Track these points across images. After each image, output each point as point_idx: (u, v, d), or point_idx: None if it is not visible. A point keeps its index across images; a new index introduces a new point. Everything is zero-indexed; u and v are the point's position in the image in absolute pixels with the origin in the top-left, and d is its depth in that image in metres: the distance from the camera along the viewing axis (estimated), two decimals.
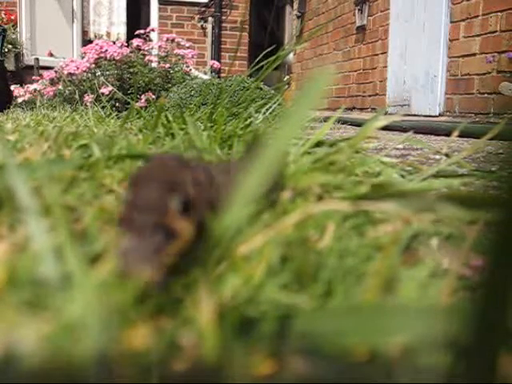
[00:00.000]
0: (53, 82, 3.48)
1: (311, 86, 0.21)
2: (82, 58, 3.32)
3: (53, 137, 0.67)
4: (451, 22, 3.26)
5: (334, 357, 0.19)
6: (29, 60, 5.44)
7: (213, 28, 5.87)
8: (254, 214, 0.35)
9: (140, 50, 3.22)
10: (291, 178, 0.42)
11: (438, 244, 0.33)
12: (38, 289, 0.23)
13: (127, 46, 3.22)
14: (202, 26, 5.92)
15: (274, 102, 0.96)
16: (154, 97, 2.77)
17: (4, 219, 0.32)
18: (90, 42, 4.53)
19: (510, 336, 0.15)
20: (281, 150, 0.21)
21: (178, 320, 0.20)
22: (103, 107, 1.87)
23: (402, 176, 0.53)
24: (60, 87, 3.30)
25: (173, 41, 3.34)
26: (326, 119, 0.67)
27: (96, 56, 3.14)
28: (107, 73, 3.11)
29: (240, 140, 0.68)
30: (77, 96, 2.89)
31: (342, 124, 2.77)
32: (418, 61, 3.60)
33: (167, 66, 3.14)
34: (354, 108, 4.58)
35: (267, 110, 0.94)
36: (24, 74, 5.42)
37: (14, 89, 3.73)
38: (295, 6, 6.05)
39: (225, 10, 5.93)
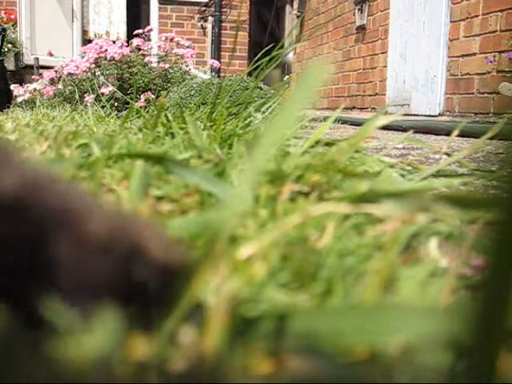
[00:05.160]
0: (53, 82, 3.48)
1: (306, 80, 0.21)
2: (82, 57, 3.32)
3: (52, 136, 0.67)
4: (451, 21, 3.26)
5: (333, 356, 0.19)
6: (29, 59, 5.44)
7: (213, 27, 5.87)
8: (252, 214, 0.35)
9: (140, 49, 3.22)
10: (291, 177, 0.42)
11: (438, 243, 0.33)
12: None
13: (127, 46, 3.22)
14: (201, 25, 5.92)
15: (274, 102, 0.96)
16: (153, 97, 2.77)
17: None
18: (90, 41, 4.53)
19: (510, 336, 0.15)
20: (275, 141, 0.21)
21: (177, 319, 0.20)
22: (103, 107, 1.87)
23: (402, 175, 0.53)
24: (60, 87, 3.30)
25: (171, 40, 3.34)
26: (326, 119, 0.67)
27: (96, 56, 3.14)
28: (107, 72, 3.11)
29: (240, 139, 0.68)
30: (77, 96, 2.89)
31: (342, 124, 2.78)
32: (418, 61, 3.60)
33: (167, 66, 3.14)
34: (353, 108, 4.58)
35: (267, 109, 0.94)
36: (24, 73, 5.42)
37: (14, 88, 3.73)
38: (295, 5, 6.05)
39: (225, 10, 5.93)
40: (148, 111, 1.59)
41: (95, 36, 5.62)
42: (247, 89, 1.15)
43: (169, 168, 0.42)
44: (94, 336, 0.18)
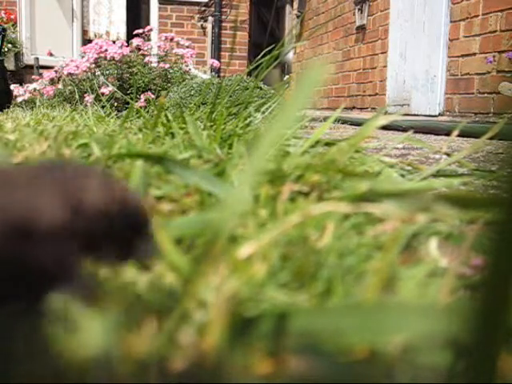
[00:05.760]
0: (53, 82, 3.48)
1: (306, 80, 0.21)
2: (82, 57, 3.33)
3: (53, 136, 0.67)
4: (451, 21, 3.26)
5: (333, 355, 0.19)
6: (29, 59, 5.44)
7: (213, 27, 5.87)
8: (252, 213, 0.35)
9: (140, 49, 3.22)
10: (291, 177, 0.42)
11: (438, 243, 0.33)
12: None
13: (127, 46, 3.22)
14: (201, 25, 5.92)
15: (274, 102, 0.96)
16: (153, 97, 2.77)
17: None
18: (90, 41, 4.52)
19: (510, 336, 0.15)
20: (275, 141, 0.21)
21: (177, 317, 0.20)
22: (103, 107, 1.87)
23: (402, 175, 0.53)
24: (60, 87, 3.31)
25: (171, 40, 3.34)
26: (326, 119, 0.67)
27: (96, 56, 3.14)
28: (107, 72, 3.11)
29: (240, 139, 0.68)
30: (77, 96, 2.89)
31: (342, 124, 2.77)
32: (418, 60, 3.60)
33: (167, 66, 3.14)
34: (353, 108, 4.57)
35: (267, 109, 0.94)
36: (24, 73, 5.42)
37: (14, 88, 3.73)
38: (295, 5, 6.05)
39: (225, 10, 5.93)
40: (148, 111, 1.59)
41: (95, 36, 5.62)
42: (247, 89, 1.15)
43: (169, 168, 0.42)
44: (93, 335, 0.18)
